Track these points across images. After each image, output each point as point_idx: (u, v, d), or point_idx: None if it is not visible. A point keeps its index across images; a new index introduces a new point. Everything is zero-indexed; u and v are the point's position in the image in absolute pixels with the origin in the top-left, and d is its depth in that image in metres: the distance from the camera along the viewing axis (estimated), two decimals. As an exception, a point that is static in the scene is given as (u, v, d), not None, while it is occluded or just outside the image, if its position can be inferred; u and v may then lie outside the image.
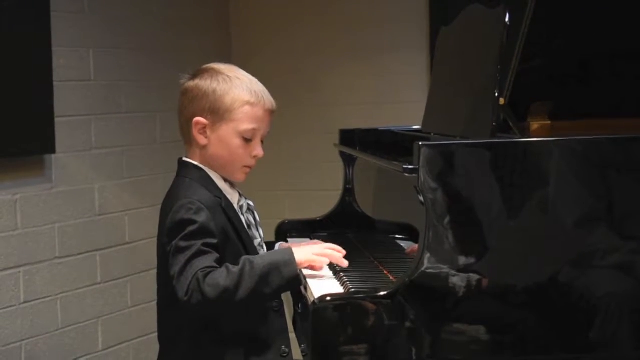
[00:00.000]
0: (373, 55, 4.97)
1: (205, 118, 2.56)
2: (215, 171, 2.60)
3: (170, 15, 4.66)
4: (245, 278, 2.38)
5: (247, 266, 2.39)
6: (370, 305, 2.26)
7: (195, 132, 2.57)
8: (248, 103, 2.57)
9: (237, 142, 2.57)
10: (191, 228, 2.44)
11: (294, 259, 2.43)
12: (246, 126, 2.57)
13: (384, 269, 2.72)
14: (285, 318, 2.62)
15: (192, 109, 2.57)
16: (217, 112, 2.55)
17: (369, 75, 4.98)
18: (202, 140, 2.57)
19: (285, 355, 2.57)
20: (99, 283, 4.16)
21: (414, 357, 2.27)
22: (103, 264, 4.17)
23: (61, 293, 3.94)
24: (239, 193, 2.65)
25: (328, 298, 2.27)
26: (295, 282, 2.45)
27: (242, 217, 2.61)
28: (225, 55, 5.05)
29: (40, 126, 3.79)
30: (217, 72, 2.60)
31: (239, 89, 2.57)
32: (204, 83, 2.58)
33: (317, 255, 2.52)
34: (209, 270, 2.39)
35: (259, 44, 5.15)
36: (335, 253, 2.58)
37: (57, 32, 3.88)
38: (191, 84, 2.60)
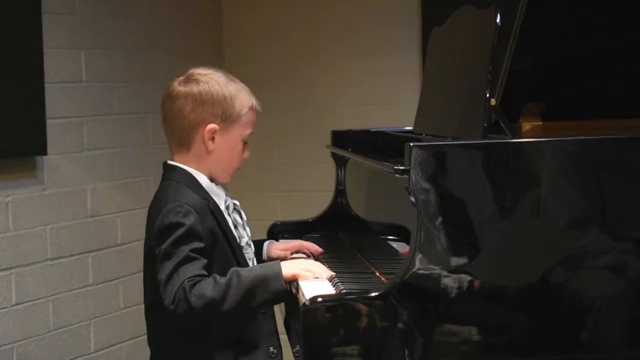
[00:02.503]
0: (365, 56, 4.97)
1: (218, 124, 2.56)
2: (209, 173, 2.60)
3: (162, 17, 4.66)
4: (231, 290, 2.39)
5: (234, 278, 2.40)
6: (361, 306, 2.26)
7: (206, 138, 2.56)
8: (251, 108, 2.60)
9: (240, 146, 2.61)
10: (179, 232, 2.44)
11: (282, 273, 2.44)
12: (248, 130, 2.62)
13: (376, 270, 2.72)
14: (274, 319, 2.62)
15: (201, 115, 2.55)
16: (229, 118, 2.56)
17: (361, 76, 4.98)
18: (210, 146, 2.57)
19: (274, 356, 2.57)
20: (91, 285, 4.15)
21: (406, 358, 2.27)
22: (95, 266, 4.17)
23: (53, 295, 3.93)
24: (225, 193, 2.65)
25: (319, 299, 2.27)
26: (282, 296, 2.46)
27: (228, 217, 2.61)
28: (217, 57, 5.05)
29: (31, 128, 3.78)
30: (218, 79, 2.59)
31: (242, 93, 2.59)
32: (210, 88, 2.56)
33: (305, 270, 2.52)
34: (196, 279, 2.39)
35: (251, 46, 5.14)
36: (323, 271, 2.58)
37: (48, 33, 3.87)
38: (194, 88, 2.57)
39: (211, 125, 2.55)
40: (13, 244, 3.73)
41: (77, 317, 4.07)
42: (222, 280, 2.40)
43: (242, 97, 2.58)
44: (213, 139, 2.56)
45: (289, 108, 5.01)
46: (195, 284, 2.38)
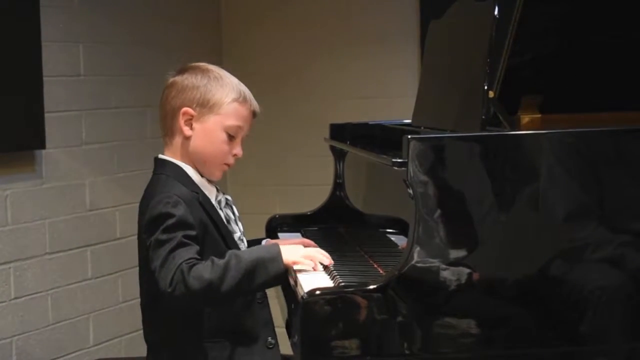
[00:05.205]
0: (364, 49, 4.97)
1: (194, 109, 2.56)
2: (195, 166, 2.60)
3: (161, 11, 4.65)
4: (230, 272, 2.37)
5: (232, 260, 2.39)
6: (360, 299, 2.26)
7: (181, 122, 2.56)
8: (237, 100, 2.59)
9: (221, 136, 2.57)
10: (170, 221, 2.44)
11: (281, 255, 2.43)
12: (232, 122, 2.58)
13: (374, 263, 2.72)
14: (269, 309, 2.62)
15: (179, 100, 2.57)
16: (206, 105, 2.56)
17: (360, 69, 4.98)
18: (187, 131, 2.57)
19: (271, 347, 2.57)
20: (90, 279, 4.15)
21: (405, 351, 2.27)
22: (94, 260, 4.17)
23: (52, 289, 3.93)
24: (217, 188, 2.65)
25: (318, 292, 2.27)
26: (281, 279, 2.45)
27: (220, 212, 2.61)
28: (215, 50, 5.05)
29: (30, 121, 3.78)
30: (207, 70, 2.62)
31: (229, 86, 2.59)
32: (194, 77, 2.59)
33: (305, 257, 2.52)
34: (193, 262, 2.38)
35: (249, 39, 5.14)
36: (322, 258, 2.58)
37: (46, 26, 3.86)
38: (179, 77, 2.60)
39: (185, 109, 2.56)
40: (12, 238, 3.73)
41: (76, 311, 4.07)
42: (221, 262, 2.39)
43: (226, 89, 2.58)
44: (191, 125, 2.57)
45: (288, 101, 5.01)
46: (192, 266, 2.37)
